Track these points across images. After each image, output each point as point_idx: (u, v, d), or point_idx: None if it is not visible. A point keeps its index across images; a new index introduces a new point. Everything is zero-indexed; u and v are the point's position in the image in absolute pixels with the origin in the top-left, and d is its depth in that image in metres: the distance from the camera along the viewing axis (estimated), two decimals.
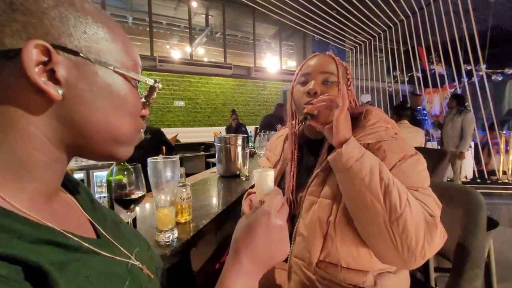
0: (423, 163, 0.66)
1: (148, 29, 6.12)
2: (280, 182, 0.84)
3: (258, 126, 6.08)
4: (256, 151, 1.99)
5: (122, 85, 0.33)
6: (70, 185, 0.39)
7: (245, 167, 1.63)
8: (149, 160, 0.73)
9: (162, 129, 3.15)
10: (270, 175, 0.47)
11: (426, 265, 1.07)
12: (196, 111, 8.54)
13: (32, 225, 0.26)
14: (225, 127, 5.99)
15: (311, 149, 0.79)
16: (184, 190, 0.89)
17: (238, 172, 1.64)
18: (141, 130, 0.38)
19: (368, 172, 0.57)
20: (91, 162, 3.56)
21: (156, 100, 7.60)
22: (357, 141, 0.63)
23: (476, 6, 4.45)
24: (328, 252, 0.64)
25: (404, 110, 2.59)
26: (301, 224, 0.69)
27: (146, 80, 0.37)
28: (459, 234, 0.81)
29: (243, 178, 1.60)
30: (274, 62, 8.34)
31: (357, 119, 0.73)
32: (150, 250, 0.46)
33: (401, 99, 6.86)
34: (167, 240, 0.74)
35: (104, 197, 3.72)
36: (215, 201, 1.19)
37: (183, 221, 0.89)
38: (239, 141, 1.65)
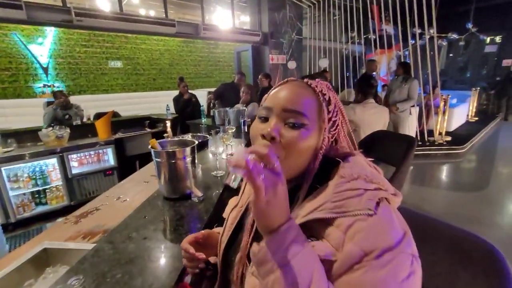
0: (407, 267, 0.39)
1: None
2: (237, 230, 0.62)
3: (210, 91, 5.45)
4: (210, 147, 1.61)
5: None
6: None
7: (198, 186, 1.26)
8: None
9: (97, 95, 2.42)
10: None
11: None
12: (138, 73, 7.42)
13: None
14: (173, 91, 5.20)
15: None
16: None
17: (188, 192, 1.27)
18: None
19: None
20: None
21: (85, 60, 6.28)
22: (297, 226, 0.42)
23: None
24: None
25: (371, 88, 2.37)
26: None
27: None
28: None
29: (195, 200, 1.24)
30: (226, 18, 7.34)
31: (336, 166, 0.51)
32: None
33: (356, 61, 6.80)
34: None
35: (24, 194, 3.01)
36: (150, 269, 0.82)
37: None
38: (188, 152, 1.24)
